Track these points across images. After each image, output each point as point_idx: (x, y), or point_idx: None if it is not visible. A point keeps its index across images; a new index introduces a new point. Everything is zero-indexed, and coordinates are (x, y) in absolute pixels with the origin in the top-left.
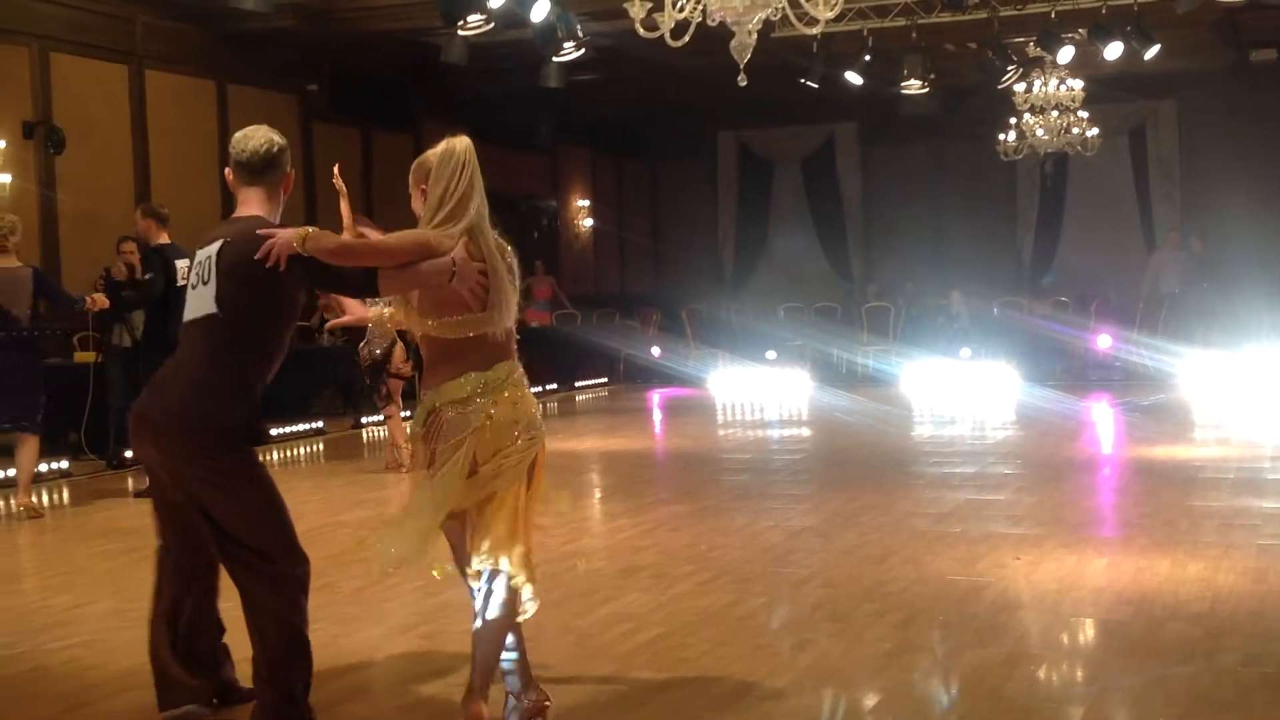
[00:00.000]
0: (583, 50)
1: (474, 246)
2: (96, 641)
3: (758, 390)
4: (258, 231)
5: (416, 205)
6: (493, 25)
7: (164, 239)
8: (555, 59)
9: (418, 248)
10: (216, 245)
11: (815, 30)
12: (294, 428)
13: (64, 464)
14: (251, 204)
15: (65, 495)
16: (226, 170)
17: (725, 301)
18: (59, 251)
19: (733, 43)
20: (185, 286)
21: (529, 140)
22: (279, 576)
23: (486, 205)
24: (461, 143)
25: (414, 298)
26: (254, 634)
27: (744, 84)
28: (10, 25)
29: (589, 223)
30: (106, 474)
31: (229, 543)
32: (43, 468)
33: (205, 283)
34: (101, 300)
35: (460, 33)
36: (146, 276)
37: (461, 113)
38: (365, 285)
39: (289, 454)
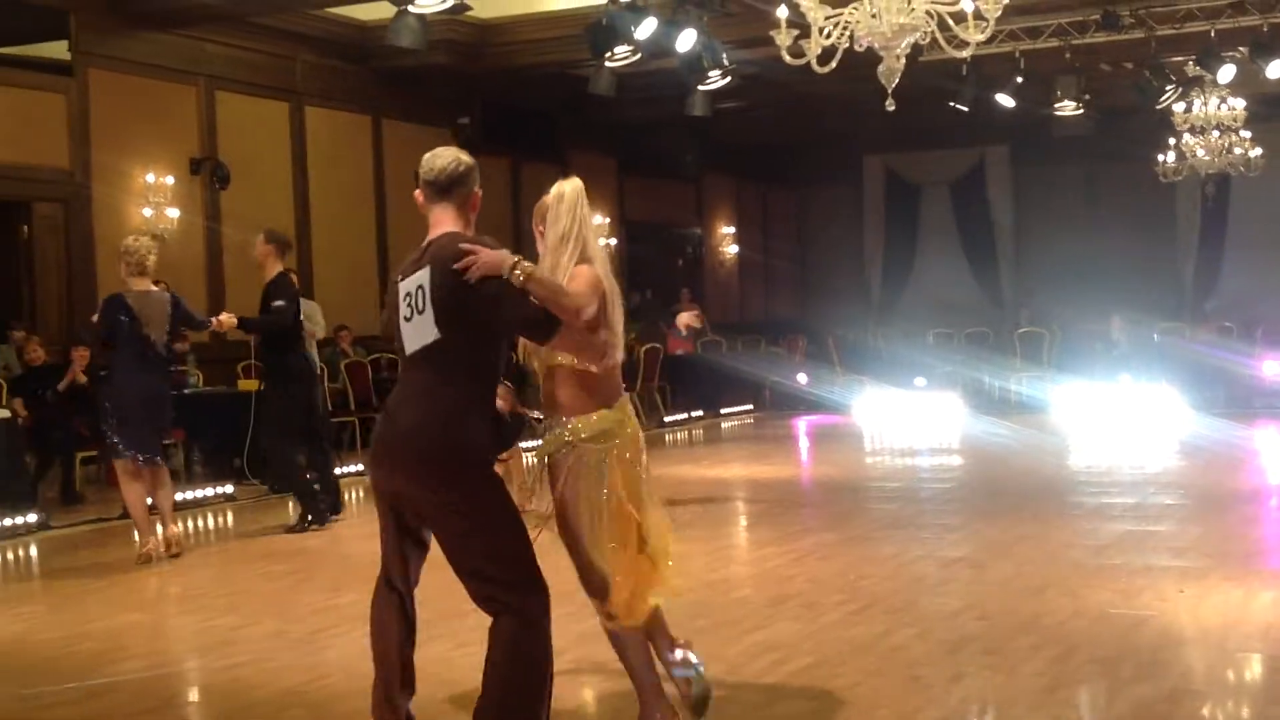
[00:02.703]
0: (728, 78)
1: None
2: (260, 661)
3: (906, 417)
4: (460, 246)
5: (540, 245)
6: (639, 56)
7: (280, 268)
8: (701, 88)
9: (596, 293)
10: (426, 272)
11: (965, 53)
12: None
13: (228, 489)
14: (444, 222)
15: (229, 519)
16: (416, 193)
17: (872, 327)
18: (224, 284)
19: (881, 68)
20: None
21: (674, 168)
22: (514, 607)
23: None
24: (573, 184)
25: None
26: (488, 666)
27: (892, 109)
28: (180, 65)
29: (734, 249)
30: (269, 498)
31: (466, 574)
32: (209, 491)
33: (421, 311)
34: (229, 320)
35: (608, 64)
36: (277, 304)
37: (608, 142)
38: (549, 331)
39: None
